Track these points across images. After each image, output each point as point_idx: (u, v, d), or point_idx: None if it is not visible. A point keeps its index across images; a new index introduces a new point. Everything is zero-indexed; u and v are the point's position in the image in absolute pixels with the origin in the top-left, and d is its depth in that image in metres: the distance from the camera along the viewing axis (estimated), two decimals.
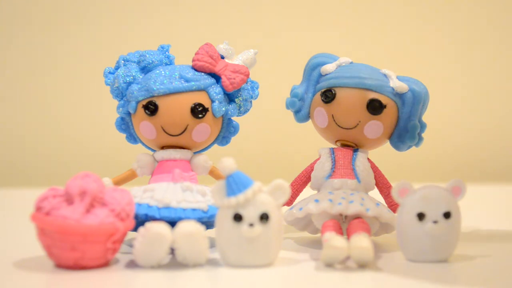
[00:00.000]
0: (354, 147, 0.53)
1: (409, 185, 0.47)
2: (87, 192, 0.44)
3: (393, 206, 0.52)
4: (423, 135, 0.54)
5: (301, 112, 0.55)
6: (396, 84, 0.52)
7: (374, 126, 0.52)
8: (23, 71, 0.97)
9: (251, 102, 0.54)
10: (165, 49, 0.53)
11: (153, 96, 0.51)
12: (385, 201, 0.53)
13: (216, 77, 0.52)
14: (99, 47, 0.97)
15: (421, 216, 0.46)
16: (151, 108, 0.51)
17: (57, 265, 0.45)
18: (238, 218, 0.44)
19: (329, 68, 0.54)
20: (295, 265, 0.46)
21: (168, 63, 0.53)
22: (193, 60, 0.52)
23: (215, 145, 0.54)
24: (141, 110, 0.51)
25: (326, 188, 0.52)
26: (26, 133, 0.98)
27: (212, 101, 0.52)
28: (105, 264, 0.45)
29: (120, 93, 0.52)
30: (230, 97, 0.53)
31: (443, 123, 0.98)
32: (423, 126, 0.53)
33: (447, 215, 0.46)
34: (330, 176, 0.52)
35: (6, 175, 0.97)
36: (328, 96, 0.52)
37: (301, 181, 0.54)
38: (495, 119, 1.02)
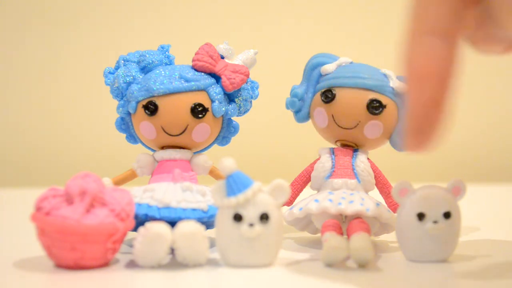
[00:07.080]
0: (354, 147, 0.53)
1: (409, 185, 0.47)
2: (87, 192, 0.44)
3: (393, 206, 0.52)
4: None
5: (301, 112, 0.55)
6: (396, 84, 0.52)
7: (374, 126, 0.52)
8: (23, 71, 0.97)
9: (251, 102, 0.54)
10: (165, 49, 0.53)
11: (153, 96, 0.51)
12: (385, 201, 0.53)
13: (216, 77, 0.52)
14: (99, 47, 0.96)
15: (421, 216, 0.46)
16: (151, 108, 0.51)
17: (57, 265, 0.45)
18: (238, 218, 0.44)
19: (329, 68, 0.54)
20: (295, 265, 0.46)
21: (168, 63, 0.53)
22: (193, 60, 0.52)
23: (215, 145, 0.54)
24: (141, 110, 0.51)
25: (326, 188, 0.52)
26: (26, 133, 0.98)
27: (212, 101, 0.52)
28: (105, 264, 0.45)
29: (120, 93, 0.53)
30: (230, 97, 0.53)
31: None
32: None
33: (447, 215, 0.46)
34: (330, 176, 0.52)
35: (6, 175, 0.97)
36: (328, 96, 0.52)
37: (301, 181, 0.54)
38: (495, 119, 1.02)
